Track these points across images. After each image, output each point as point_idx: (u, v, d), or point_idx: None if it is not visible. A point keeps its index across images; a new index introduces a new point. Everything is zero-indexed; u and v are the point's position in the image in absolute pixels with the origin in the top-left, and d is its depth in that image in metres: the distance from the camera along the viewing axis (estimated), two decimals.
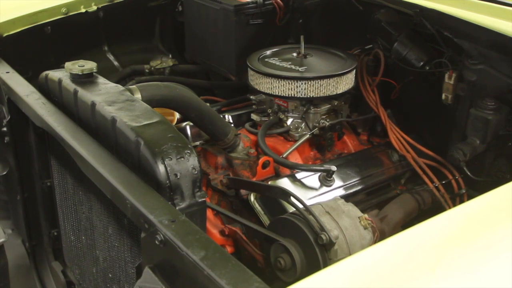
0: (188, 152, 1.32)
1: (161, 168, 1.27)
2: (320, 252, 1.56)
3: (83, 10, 2.53)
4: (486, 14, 1.98)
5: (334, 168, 1.96)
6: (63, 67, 1.67)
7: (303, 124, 2.21)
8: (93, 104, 1.50)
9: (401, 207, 2.03)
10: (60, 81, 1.67)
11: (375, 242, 1.67)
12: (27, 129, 1.88)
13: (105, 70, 2.66)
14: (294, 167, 2.03)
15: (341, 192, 2.03)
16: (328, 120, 2.18)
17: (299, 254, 1.60)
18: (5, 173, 2.04)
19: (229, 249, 1.92)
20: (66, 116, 1.60)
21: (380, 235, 1.74)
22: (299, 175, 2.01)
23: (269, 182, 1.97)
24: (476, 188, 2.08)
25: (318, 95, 2.14)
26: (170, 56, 2.97)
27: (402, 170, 2.24)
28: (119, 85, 1.64)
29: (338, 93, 2.17)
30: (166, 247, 1.09)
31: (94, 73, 1.66)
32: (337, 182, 2.04)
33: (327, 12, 2.65)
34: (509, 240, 1.08)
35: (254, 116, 2.30)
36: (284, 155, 2.07)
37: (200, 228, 1.11)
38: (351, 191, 2.06)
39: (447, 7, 2.04)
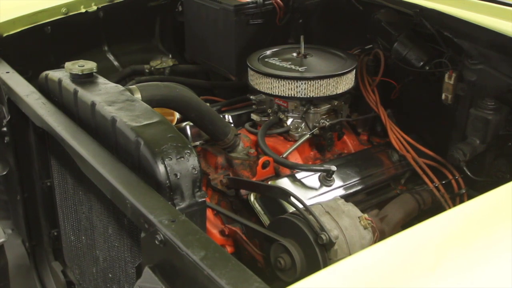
0: (188, 152, 1.32)
1: (161, 168, 1.27)
2: (320, 252, 1.56)
3: (83, 10, 2.53)
4: (486, 14, 1.97)
5: (334, 168, 1.96)
6: (63, 67, 1.67)
7: (303, 124, 2.21)
8: (93, 104, 1.50)
9: (401, 207, 2.03)
10: (60, 81, 1.67)
11: (375, 242, 1.67)
12: (27, 129, 1.88)
13: (105, 70, 2.66)
14: (294, 167, 2.03)
15: (341, 192, 2.03)
16: (328, 120, 2.19)
17: (299, 254, 1.60)
18: (5, 173, 2.04)
19: (229, 249, 1.93)
20: (66, 116, 1.60)
21: (380, 235, 1.74)
22: (299, 175, 2.01)
23: (269, 182, 1.97)
24: (476, 188, 2.08)
25: (318, 95, 2.14)
26: (170, 56, 2.97)
27: (402, 170, 2.24)
28: (119, 85, 1.64)
29: (338, 93, 2.17)
30: (166, 247, 1.09)
31: (94, 73, 1.66)
32: (337, 182, 2.04)
33: (327, 12, 2.65)
34: (509, 240, 1.08)
35: (254, 116, 2.30)
36: (284, 155, 2.07)
37: (200, 228, 1.11)
38: (351, 191, 2.06)
39: (447, 7, 2.04)
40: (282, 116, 2.22)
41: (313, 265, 1.57)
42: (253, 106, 2.31)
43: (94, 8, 2.57)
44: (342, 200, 1.73)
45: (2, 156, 2.04)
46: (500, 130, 1.96)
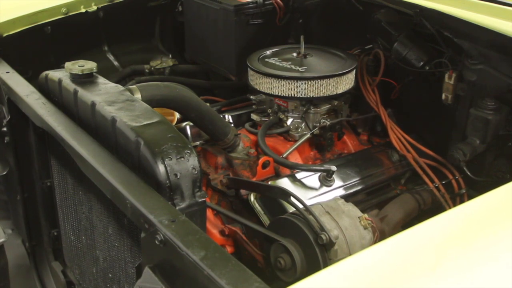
0: (188, 152, 1.32)
1: (161, 168, 1.27)
2: (320, 252, 1.56)
3: (83, 10, 2.53)
4: (486, 14, 1.97)
5: (334, 168, 1.96)
6: (63, 67, 1.67)
7: (303, 124, 2.21)
8: (93, 104, 1.50)
9: (401, 207, 2.03)
10: (60, 81, 1.67)
11: (375, 242, 1.67)
12: (27, 129, 1.88)
13: (105, 70, 2.66)
14: (294, 167, 2.03)
15: (341, 192, 2.03)
16: (328, 119, 2.19)
17: (299, 254, 1.60)
18: (5, 173, 2.04)
19: (229, 249, 1.93)
20: (66, 116, 1.60)
21: (380, 235, 1.74)
22: (299, 175, 2.01)
23: (269, 182, 1.97)
24: (476, 188, 2.08)
25: (318, 95, 2.14)
26: (170, 56, 2.97)
27: (402, 170, 2.24)
28: (119, 85, 1.64)
29: (338, 93, 2.17)
30: (166, 247, 1.09)
31: (94, 73, 1.66)
32: (337, 182, 2.04)
33: (327, 12, 2.65)
34: (509, 240, 1.08)
35: (254, 116, 2.30)
36: (284, 155, 2.07)
37: (200, 228, 1.11)
38: (351, 191, 2.06)
39: (447, 7, 2.04)
40: (282, 116, 2.22)
41: (313, 265, 1.57)
42: (253, 106, 2.31)
43: (94, 8, 2.57)
44: (342, 200, 1.73)
45: (2, 156, 2.04)
46: (500, 130, 1.96)
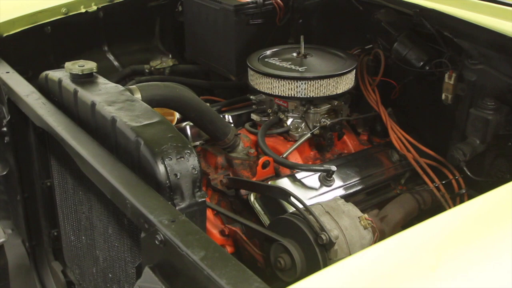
0: (188, 152, 1.32)
1: (161, 168, 1.27)
2: (320, 252, 1.56)
3: (83, 10, 2.53)
4: (486, 14, 1.97)
5: (334, 168, 1.96)
6: (63, 67, 1.67)
7: (303, 124, 2.21)
8: (93, 104, 1.50)
9: (401, 207, 2.03)
10: (60, 81, 1.67)
11: (375, 242, 1.67)
12: (27, 129, 1.88)
13: (105, 70, 2.66)
14: (294, 167, 2.03)
15: (341, 192, 2.03)
16: (328, 119, 2.19)
17: (299, 254, 1.60)
18: (5, 173, 2.04)
19: (229, 249, 1.92)
20: (66, 116, 1.60)
21: (380, 235, 1.74)
22: (299, 175, 2.01)
23: (269, 182, 1.97)
24: (476, 188, 2.08)
25: (318, 95, 2.14)
26: (170, 56, 2.97)
27: (402, 170, 2.24)
28: (119, 85, 1.64)
29: (338, 93, 2.17)
30: (166, 247, 1.09)
31: (94, 73, 1.66)
32: (337, 182, 2.04)
33: (327, 12, 2.65)
34: (509, 240, 1.08)
35: (254, 116, 2.30)
36: (284, 155, 2.07)
37: (200, 228, 1.11)
38: (351, 191, 2.06)
39: (447, 7, 2.04)
40: (282, 116, 2.22)
41: (313, 265, 1.57)
42: (253, 106, 2.31)
43: (94, 8, 2.57)
44: (342, 200, 1.73)
45: (2, 156, 2.04)
46: (500, 130, 1.96)
